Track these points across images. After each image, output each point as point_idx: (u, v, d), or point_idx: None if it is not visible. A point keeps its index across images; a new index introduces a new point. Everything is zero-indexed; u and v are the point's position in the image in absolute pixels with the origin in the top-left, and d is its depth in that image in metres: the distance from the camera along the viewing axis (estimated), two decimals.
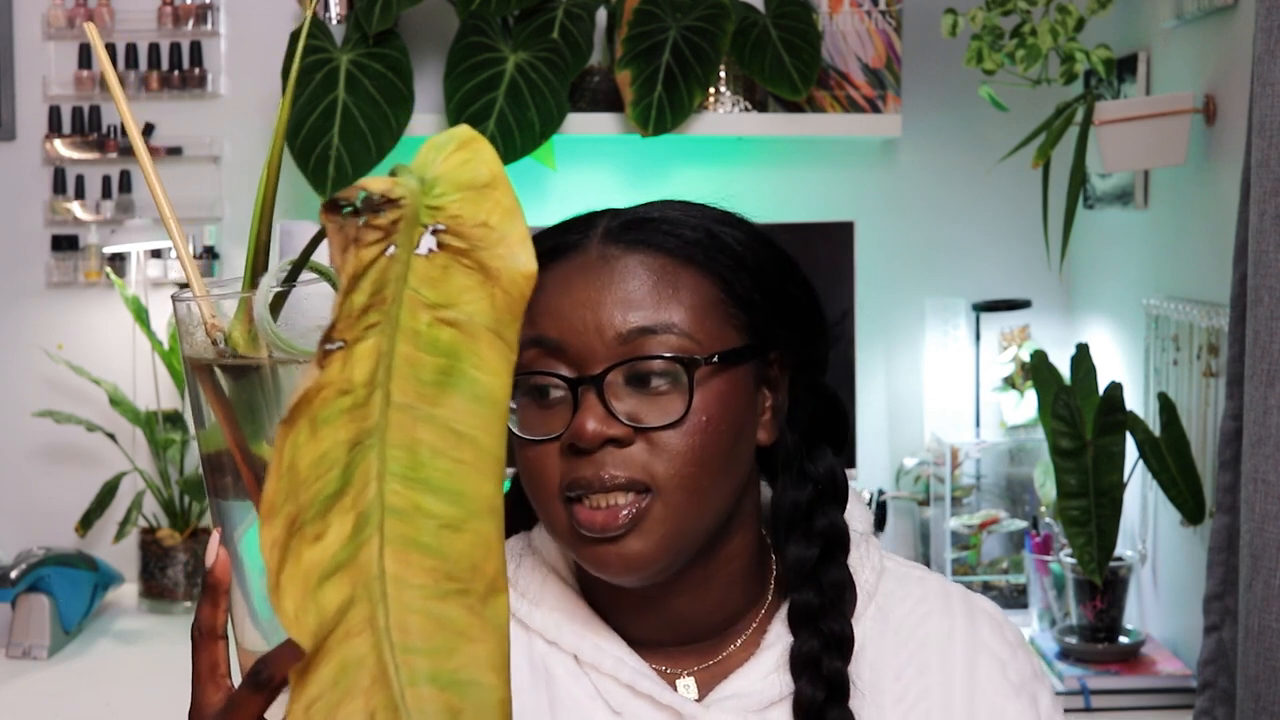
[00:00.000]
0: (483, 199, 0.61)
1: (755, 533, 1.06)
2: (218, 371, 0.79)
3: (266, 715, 0.77)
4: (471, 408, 0.59)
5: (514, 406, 0.99)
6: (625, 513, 0.95)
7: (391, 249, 0.60)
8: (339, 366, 0.59)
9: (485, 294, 0.60)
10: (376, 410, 0.59)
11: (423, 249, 0.60)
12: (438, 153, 0.62)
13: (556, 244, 1.01)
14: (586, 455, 0.96)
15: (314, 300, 0.80)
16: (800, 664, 1.02)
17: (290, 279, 0.79)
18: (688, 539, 0.98)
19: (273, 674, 0.75)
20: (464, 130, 0.63)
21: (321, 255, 0.77)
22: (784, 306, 1.03)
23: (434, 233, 0.61)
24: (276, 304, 0.79)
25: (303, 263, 0.79)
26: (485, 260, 0.60)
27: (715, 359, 0.97)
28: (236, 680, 0.80)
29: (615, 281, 0.98)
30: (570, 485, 0.96)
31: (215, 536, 0.81)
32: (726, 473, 0.98)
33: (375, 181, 0.61)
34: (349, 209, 0.60)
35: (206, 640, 0.80)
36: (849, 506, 1.09)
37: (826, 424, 1.07)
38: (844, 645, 1.02)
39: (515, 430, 0.99)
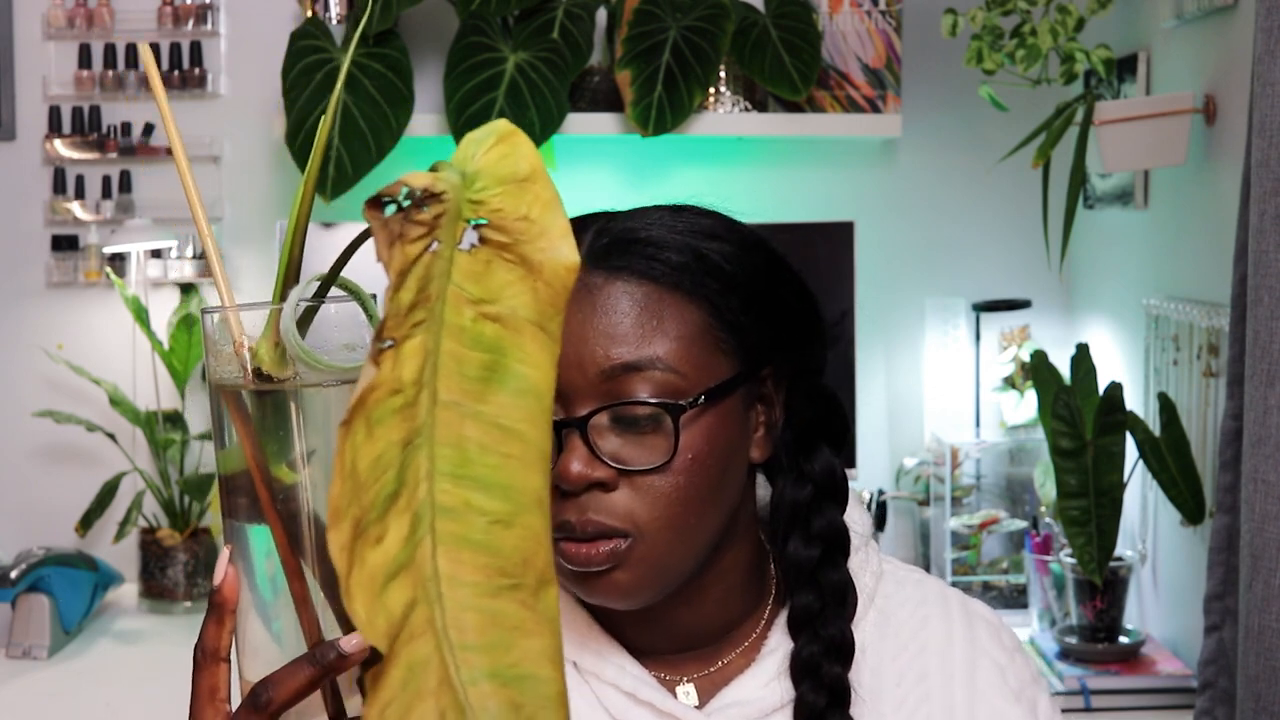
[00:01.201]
0: (523, 192, 0.61)
1: (752, 542, 1.04)
2: (244, 390, 0.78)
3: None
4: (517, 402, 0.59)
5: None
6: (606, 550, 0.94)
7: (435, 245, 0.60)
8: (390, 366, 0.59)
9: (528, 287, 0.60)
10: (424, 409, 0.59)
11: (465, 244, 0.60)
12: (477, 147, 0.62)
13: None
14: (571, 497, 0.95)
15: (342, 317, 0.80)
16: (801, 669, 1.01)
17: (320, 294, 0.79)
18: (673, 571, 0.97)
19: (273, 697, 0.73)
20: (503, 124, 0.63)
21: (350, 268, 0.77)
22: (778, 318, 1.00)
23: (476, 227, 0.60)
24: (305, 320, 0.79)
25: (332, 278, 0.79)
26: (527, 254, 0.60)
27: (702, 399, 0.94)
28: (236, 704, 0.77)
29: (598, 313, 0.94)
30: (556, 525, 0.95)
31: (225, 554, 0.78)
32: (713, 504, 0.97)
33: (417, 176, 0.61)
34: (392, 205, 0.60)
35: (209, 662, 0.77)
36: (850, 509, 1.08)
37: (824, 424, 1.05)
38: (844, 650, 1.01)
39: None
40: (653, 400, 0.93)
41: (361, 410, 0.58)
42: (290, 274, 0.81)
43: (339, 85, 0.81)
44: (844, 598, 1.03)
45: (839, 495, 1.05)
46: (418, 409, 0.59)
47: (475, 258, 0.60)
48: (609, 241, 0.97)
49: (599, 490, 0.94)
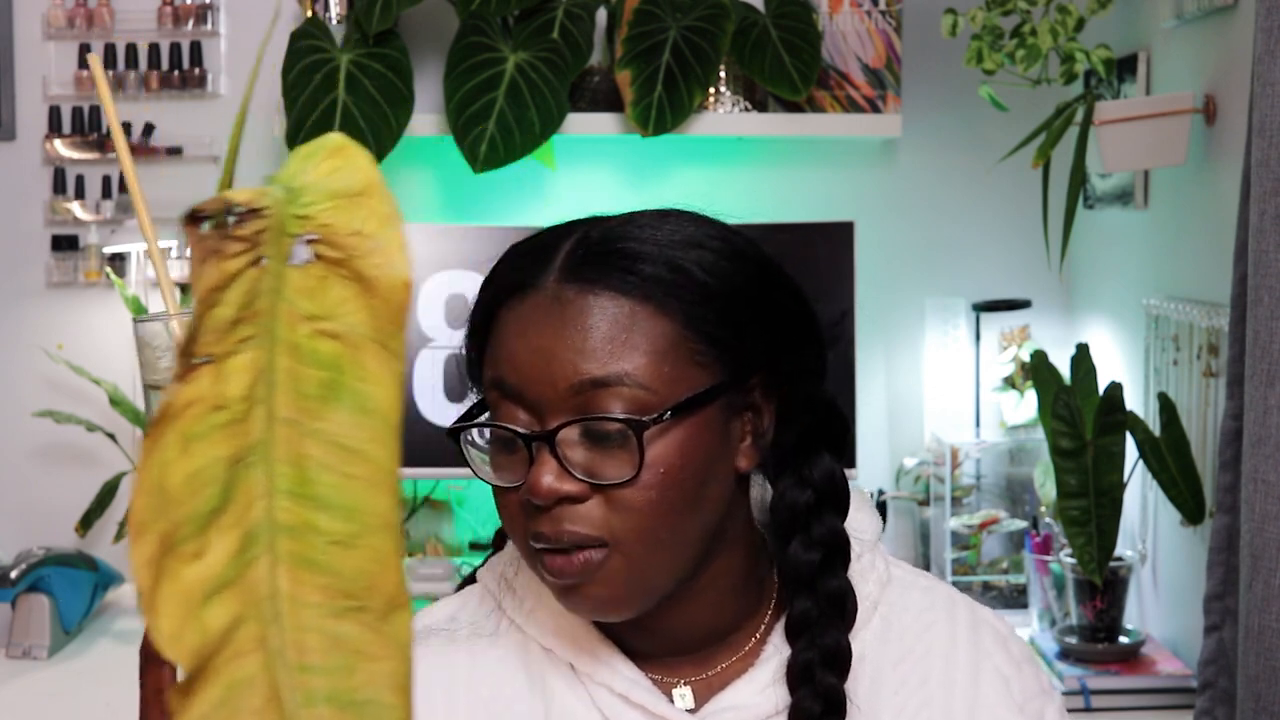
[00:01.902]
0: (356, 207, 0.59)
1: (746, 548, 1.03)
2: None
3: None
4: (358, 420, 0.58)
5: (486, 448, 0.99)
6: (581, 560, 0.95)
7: (263, 260, 0.59)
8: (210, 381, 0.58)
9: (364, 304, 0.58)
10: (259, 426, 0.58)
11: (298, 259, 0.59)
12: (306, 161, 0.61)
13: (512, 282, 0.98)
14: (544, 510, 0.95)
15: None
16: (796, 677, 1.00)
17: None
18: (653, 583, 0.97)
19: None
20: (335, 137, 0.62)
21: None
22: (766, 327, 0.99)
23: (309, 243, 0.59)
24: None
25: None
26: (362, 269, 0.59)
27: (668, 415, 0.93)
28: None
29: (568, 327, 0.94)
30: (533, 536, 0.96)
31: None
32: (691, 516, 0.96)
33: (239, 192, 0.60)
34: (211, 221, 0.59)
35: (152, 664, 0.78)
36: (857, 513, 1.07)
37: (824, 430, 1.04)
38: (840, 660, 1.00)
39: (487, 475, 0.98)
40: (617, 416, 0.93)
41: (172, 425, 0.57)
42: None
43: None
44: (843, 606, 1.02)
45: (840, 502, 1.04)
46: (249, 425, 0.57)
47: (308, 274, 0.59)
48: (584, 254, 0.97)
49: (570, 503, 0.94)
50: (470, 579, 1.12)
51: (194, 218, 0.59)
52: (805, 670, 1.00)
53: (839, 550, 1.03)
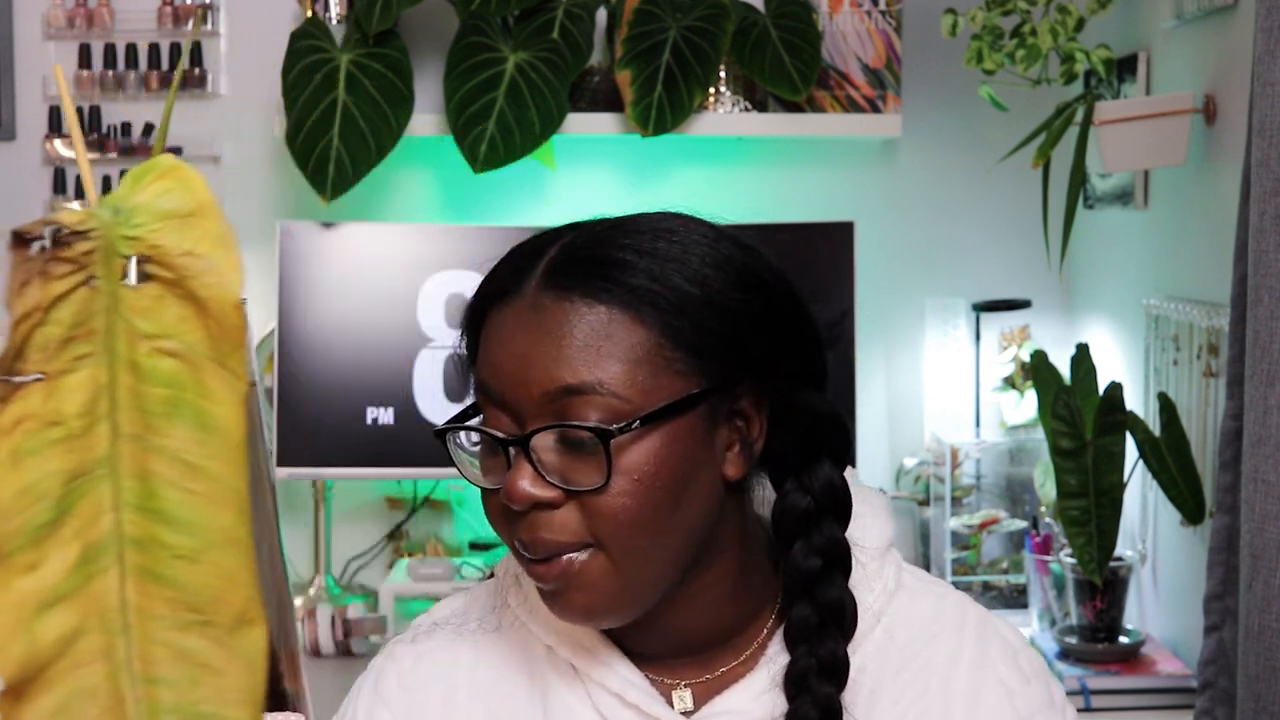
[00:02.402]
0: (187, 228, 0.60)
1: (741, 555, 1.03)
2: None
3: None
4: (201, 437, 0.58)
5: (473, 450, 1.00)
6: (559, 567, 0.95)
7: (94, 281, 0.59)
8: (41, 398, 0.58)
9: (201, 324, 0.59)
10: (104, 442, 0.58)
11: (131, 279, 0.59)
12: (136, 183, 0.61)
13: (499, 286, 0.98)
14: (523, 516, 0.95)
15: None
16: (794, 684, 1.00)
17: None
18: (636, 590, 0.97)
19: None
20: (166, 159, 0.62)
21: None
22: (757, 333, 0.98)
23: (141, 263, 0.59)
24: None
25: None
26: (195, 290, 0.59)
27: (636, 424, 0.93)
28: None
29: (545, 334, 0.94)
30: (516, 544, 0.97)
31: None
32: (672, 524, 0.96)
33: (66, 214, 0.60)
34: (37, 242, 0.59)
35: None
36: (869, 519, 1.06)
37: (825, 438, 1.02)
38: (837, 670, 0.99)
39: (474, 477, 0.99)
40: (585, 425, 0.93)
41: (3, 441, 0.57)
42: None
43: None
44: (841, 616, 1.01)
45: (840, 511, 1.03)
46: (92, 441, 0.58)
47: (144, 294, 0.59)
48: (564, 260, 0.97)
49: (548, 509, 0.95)
50: (492, 574, 1.13)
51: (20, 240, 0.59)
52: (802, 679, 0.99)
53: (839, 559, 1.02)
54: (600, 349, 0.93)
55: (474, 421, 0.99)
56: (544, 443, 0.94)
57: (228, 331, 0.59)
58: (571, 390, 0.93)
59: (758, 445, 1.00)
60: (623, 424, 0.92)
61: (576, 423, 0.93)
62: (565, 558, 0.95)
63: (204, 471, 0.58)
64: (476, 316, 0.99)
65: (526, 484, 0.94)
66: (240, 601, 0.57)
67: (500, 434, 0.95)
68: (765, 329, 0.98)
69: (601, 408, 0.93)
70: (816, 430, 1.02)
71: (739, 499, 1.02)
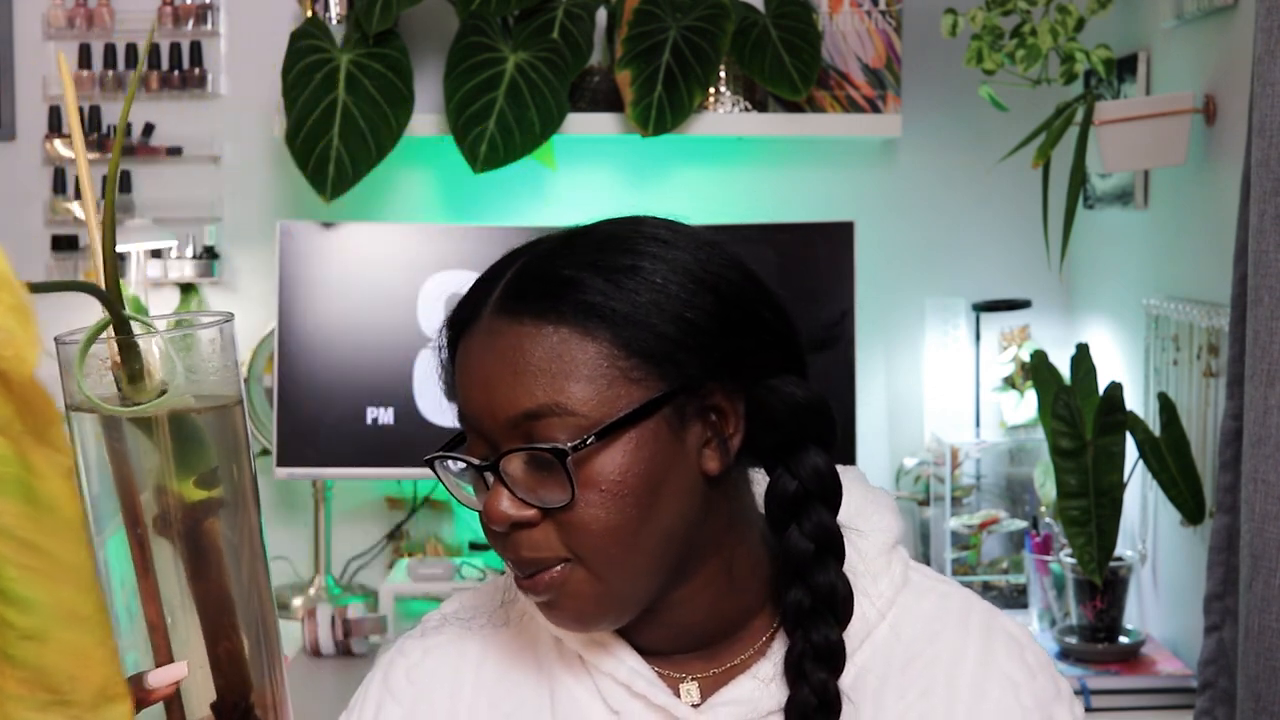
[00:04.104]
0: None
1: (738, 547, 1.03)
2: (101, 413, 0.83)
3: None
4: (29, 511, 0.57)
5: (461, 474, 1.02)
6: (545, 580, 0.98)
7: None
8: None
9: (8, 399, 0.57)
10: None
11: None
12: None
13: (463, 313, 1.00)
14: (506, 536, 0.98)
15: (211, 344, 0.84)
16: (792, 670, 1.01)
17: (124, 331, 0.84)
18: (624, 594, 0.99)
19: (143, 697, 0.82)
20: None
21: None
22: (720, 330, 0.98)
23: None
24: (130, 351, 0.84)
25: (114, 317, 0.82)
26: None
27: (591, 440, 0.94)
28: None
29: (501, 360, 0.96)
30: (505, 562, 1.00)
31: None
32: (650, 526, 0.97)
33: None
34: None
35: None
36: (876, 515, 1.07)
37: (808, 423, 1.02)
38: (831, 655, 1.00)
39: (466, 499, 1.01)
40: (542, 446, 0.94)
41: None
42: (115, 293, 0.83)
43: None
44: (834, 601, 1.01)
45: (828, 496, 1.03)
46: None
47: None
48: (515, 284, 0.98)
49: (527, 527, 0.97)
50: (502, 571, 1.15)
51: None
52: (798, 664, 1.00)
53: (830, 544, 1.02)
54: (554, 369, 0.95)
55: (457, 452, 1.02)
56: (514, 466, 0.96)
57: (35, 406, 0.57)
58: (533, 414, 0.95)
59: (735, 439, 1.00)
60: (577, 441, 0.94)
61: (535, 445, 0.95)
62: (549, 573, 0.97)
63: (37, 549, 0.56)
64: (449, 347, 1.02)
65: (502, 506, 0.96)
66: (98, 679, 0.56)
67: (474, 460, 0.98)
68: (726, 324, 0.99)
69: (564, 426, 0.95)
70: (800, 417, 1.02)
71: (726, 492, 1.02)
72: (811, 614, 1.01)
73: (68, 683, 0.56)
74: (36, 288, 0.78)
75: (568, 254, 0.99)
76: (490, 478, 0.97)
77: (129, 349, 0.83)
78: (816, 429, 1.02)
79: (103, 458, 0.84)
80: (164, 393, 0.83)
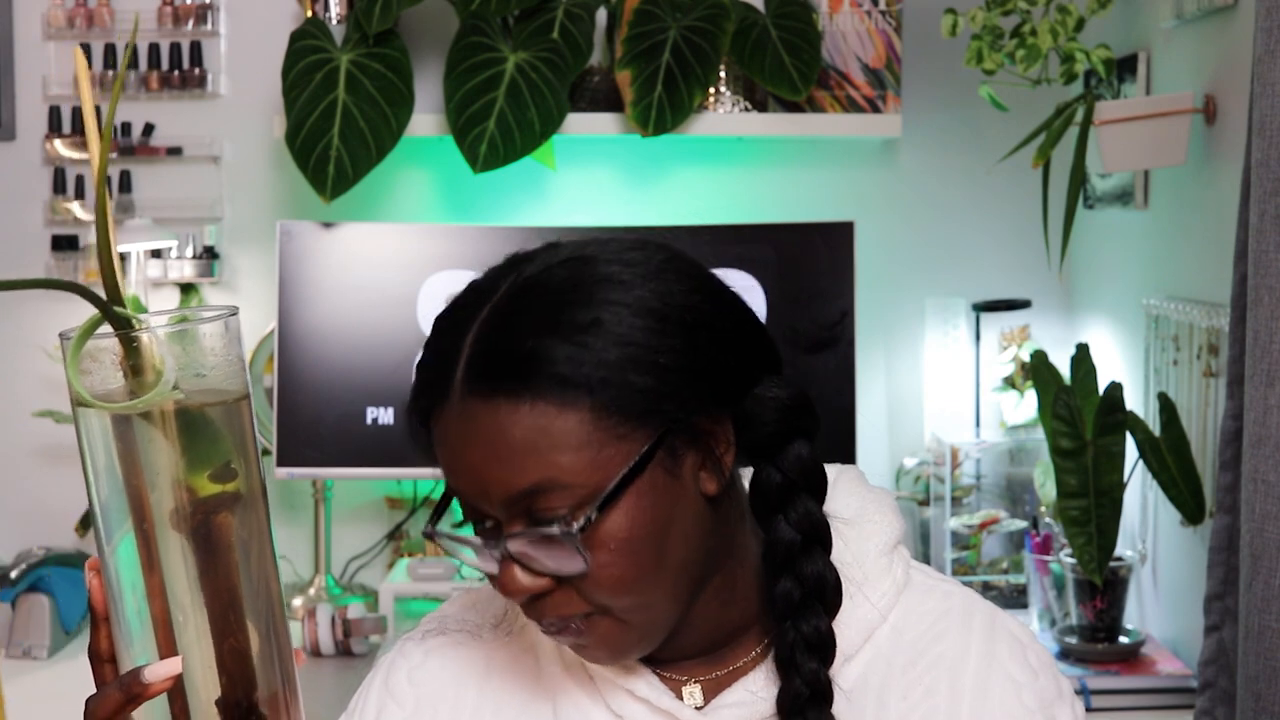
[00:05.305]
0: None
1: (746, 555, 1.03)
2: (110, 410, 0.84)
3: None
4: None
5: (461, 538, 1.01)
6: (572, 631, 0.98)
7: None
8: None
9: None
10: None
11: None
12: None
13: (429, 392, 0.97)
14: (524, 602, 0.98)
15: (213, 338, 0.84)
16: (782, 663, 1.00)
17: (125, 325, 0.85)
18: (652, 627, 0.99)
19: (140, 691, 0.86)
20: None
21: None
22: (694, 364, 0.96)
23: None
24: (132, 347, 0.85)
25: (106, 315, 0.84)
26: None
27: (594, 514, 0.93)
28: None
29: (484, 444, 0.94)
30: (529, 617, 1.00)
31: (89, 565, 0.89)
32: (665, 564, 0.97)
33: None
34: None
35: (95, 665, 0.91)
36: (877, 515, 1.07)
37: (791, 418, 1.01)
38: (822, 645, 1.00)
39: (471, 561, 1.00)
40: (545, 531, 0.93)
41: None
42: (112, 293, 0.84)
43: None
44: (823, 590, 1.01)
45: (814, 487, 1.02)
46: None
47: None
48: (480, 361, 0.95)
49: (545, 593, 0.97)
50: None
51: None
52: (789, 655, 1.00)
53: (816, 534, 1.01)
54: (540, 445, 0.93)
55: (459, 529, 1.02)
56: (520, 545, 0.95)
57: None
58: (528, 493, 0.94)
59: (727, 457, 0.99)
60: (582, 521, 0.93)
61: (540, 529, 0.94)
62: (574, 625, 0.97)
63: None
64: (422, 418, 0.99)
65: (517, 583, 0.96)
66: None
67: (478, 542, 0.97)
68: (699, 355, 0.97)
69: (563, 497, 0.93)
70: (786, 417, 1.01)
71: (727, 504, 1.02)
72: (801, 604, 1.00)
73: None
74: (9, 285, 0.79)
75: (524, 316, 0.95)
76: (498, 555, 0.96)
77: (126, 343, 0.83)
78: (800, 421, 1.02)
79: (111, 458, 0.84)
80: (171, 388, 0.83)
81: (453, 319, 0.98)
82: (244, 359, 0.88)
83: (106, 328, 0.84)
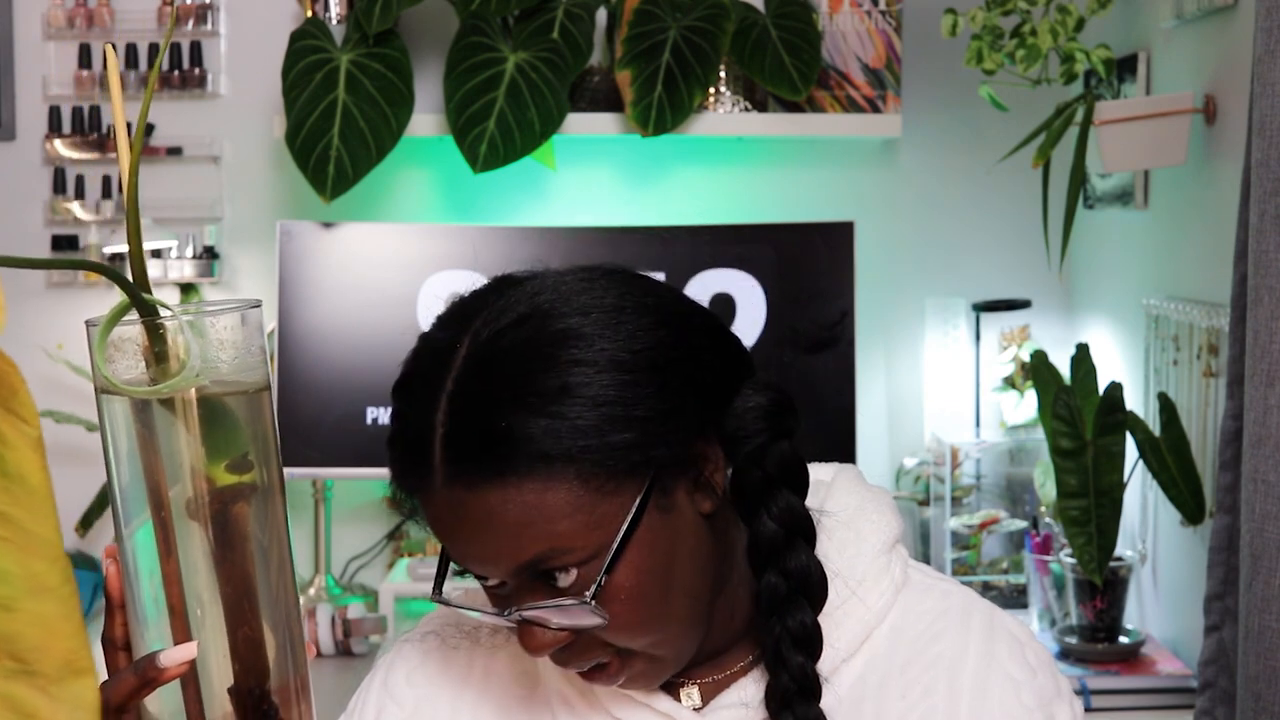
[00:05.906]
0: None
1: (738, 565, 1.04)
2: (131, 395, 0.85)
3: None
4: (2, 483, 0.57)
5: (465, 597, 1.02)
6: (604, 674, 0.99)
7: None
8: None
9: None
10: None
11: None
12: None
13: (408, 482, 0.96)
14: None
15: (228, 330, 0.85)
16: (770, 658, 1.01)
17: (151, 313, 0.84)
18: (678, 653, 1.00)
19: (155, 676, 0.84)
20: None
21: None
22: (673, 403, 0.95)
23: None
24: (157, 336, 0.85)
25: (134, 301, 0.83)
26: None
27: (602, 578, 0.93)
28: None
29: (480, 527, 0.93)
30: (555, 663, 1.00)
31: (106, 552, 0.89)
32: (679, 599, 0.97)
33: None
34: None
35: (108, 652, 0.90)
36: (875, 514, 1.07)
37: (772, 419, 1.00)
38: (808, 639, 1.00)
39: (480, 609, 1.00)
40: (558, 603, 0.94)
41: None
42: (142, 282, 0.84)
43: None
44: (808, 584, 1.01)
45: (794, 482, 1.02)
46: None
47: None
48: (455, 449, 0.93)
49: (567, 646, 0.97)
50: None
51: None
52: (776, 650, 1.00)
53: (799, 527, 1.01)
54: (535, 519, 0.92)
55: (470, 595, 1.04)
56: (535, 612, 0.95)
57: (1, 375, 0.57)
58: (531, 565, 0.94)
59: (718, 474, 0.99)
60: (592, 589, 0.93)
61: (551, 601, 0.94)
62: (601, 667, 0.98)
63: (9, 518, 0.57)
64: (405, 494, 0.98)
65: (538, 639, 0.96)
66: (63, 651, 0.57)
67: (492, 611, 0.98)
68: (673, 391, 0.96)
69: (567, 557, 0.93)
70: (769, 421, 1.00)
71: (726, 516, 1.02)
72: (787, 599, 1.00)
73: (34, 653, 0.56)
74: (43, 264, 0.79)
75: (491, 392, 0.93)
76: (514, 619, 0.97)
77: (152, 331, 0.83)
78: (781, 421, 1.01)
79: (132, 443, 0.85)
80: (195, 375, 0.83)
81: (415, 393, 0.96)
82: (266, 351, 0.88)
83: (132, 314, 0.85)
